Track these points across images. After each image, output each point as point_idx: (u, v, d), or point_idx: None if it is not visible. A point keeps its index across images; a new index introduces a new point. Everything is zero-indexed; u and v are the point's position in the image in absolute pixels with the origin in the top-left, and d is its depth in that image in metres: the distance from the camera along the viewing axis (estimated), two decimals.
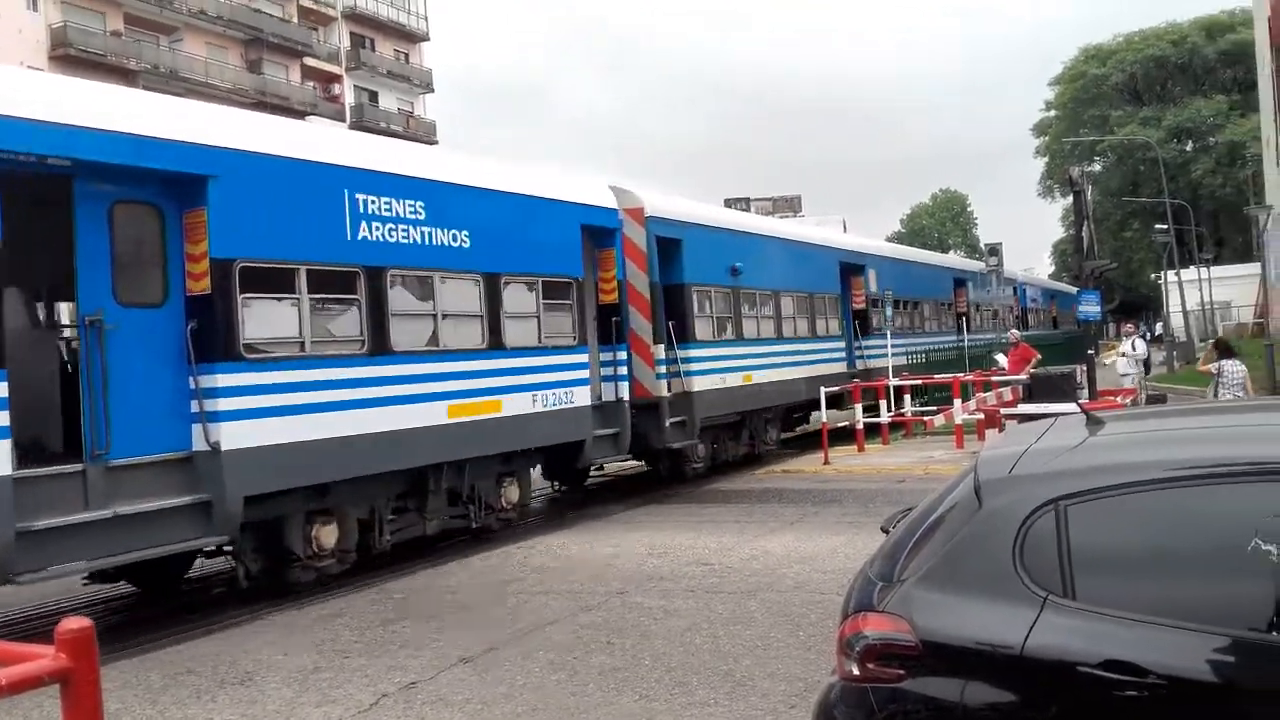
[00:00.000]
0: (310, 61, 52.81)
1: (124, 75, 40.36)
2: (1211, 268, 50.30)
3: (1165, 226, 43.98)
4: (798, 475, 16.76)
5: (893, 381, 20.83)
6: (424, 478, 11.27)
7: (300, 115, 44.55)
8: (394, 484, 11.01)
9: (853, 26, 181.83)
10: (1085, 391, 14.75)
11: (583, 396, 13.51)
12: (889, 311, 22.20)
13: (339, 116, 51.54)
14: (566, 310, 13.42)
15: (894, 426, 20.59)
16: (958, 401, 18.54)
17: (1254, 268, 53.42)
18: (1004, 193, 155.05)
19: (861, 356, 22.85)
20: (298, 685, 6.98)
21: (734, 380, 17.17)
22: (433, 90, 60.70)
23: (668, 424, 15.07)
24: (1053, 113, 65.64)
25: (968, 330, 30.03)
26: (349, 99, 54.70)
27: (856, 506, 13.05)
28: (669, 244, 15.79)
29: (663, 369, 15.16)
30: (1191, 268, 49.24)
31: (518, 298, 12.57)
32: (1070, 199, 28.56)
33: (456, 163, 12.64)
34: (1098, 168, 60.37)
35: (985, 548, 3.50)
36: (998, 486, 3.63)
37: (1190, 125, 57.23)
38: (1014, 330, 27.48)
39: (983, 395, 18.06)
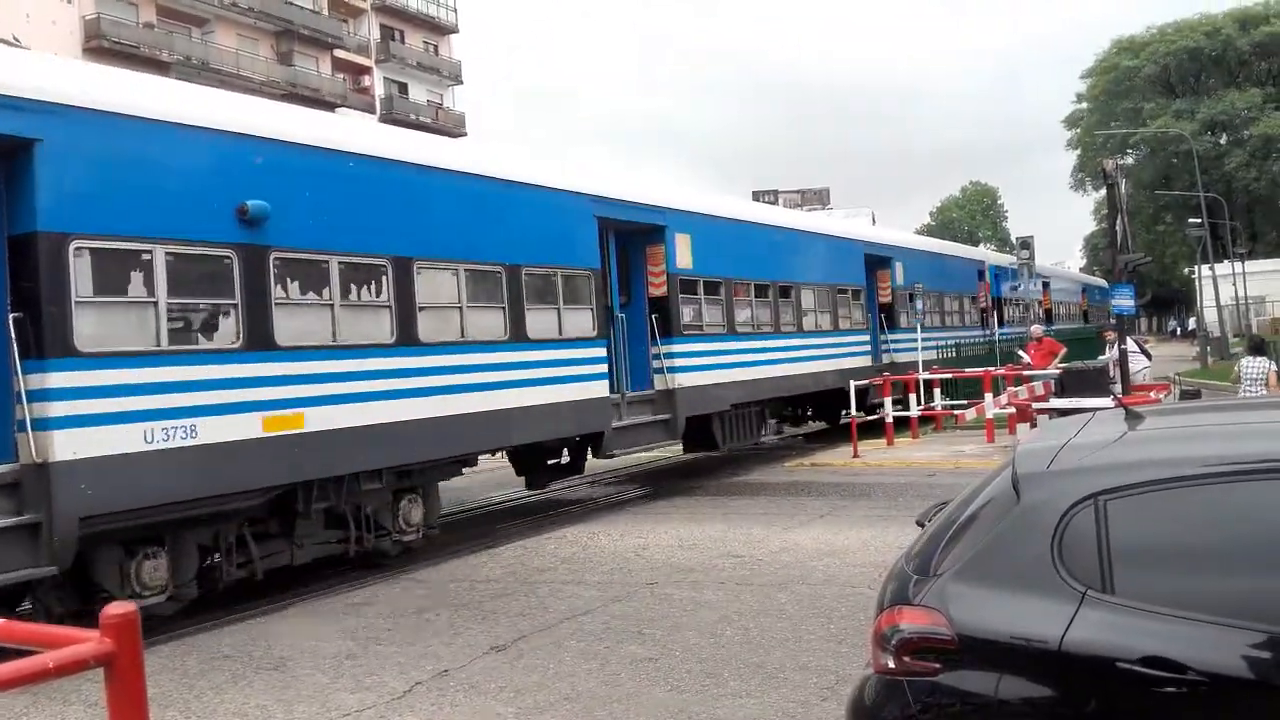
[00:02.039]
0: (340, 53, 53.06)
1: (157, 67, 40.66)
2: (1245, 262, 49.69)
3: (1199, 220, 43.46)
4: (827, 468, 16.73)
5: (923, 375, 20.71)
6: None
7: (331, 107, 44.85)
8: None
9: (881, 19, 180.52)
10: (1118, 386, 14.63)
11: None
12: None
13: (369, 108, 51.84)
14: None
15: (923, 420, 20.49)
16: (989, 395, 18.44)
17: None
18: (1035, 186, 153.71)
19: (662, 370, 14.82)
20: (331, 671, 7.06)
21: (234, 429, 8.77)
22: (462, 82, 60.86)
23: None
24: (1084, 105, 64.88)
25: (889, 328, 22.69)
26: (379, 91, 54.94)
27: (886, 500, 13.02)
28: None
29: None
30: (1225, 262, 48.65)
31: None
32: (1103, 192, 27.99)
33: None
34: (1130, 160, 59.58)
35: (1023, 542, 3.49)
36: (1036, 480, 3.62)
37: (1224, 118, 56.43)
38: (1037, 325, 24.61)
39: (1014, 389, 17.94)
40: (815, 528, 11.41)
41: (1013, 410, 17.79)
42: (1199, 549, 3.42)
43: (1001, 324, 29.73)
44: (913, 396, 20.08)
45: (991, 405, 18.12)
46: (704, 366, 15.68)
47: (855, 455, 17.35)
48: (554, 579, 9.58)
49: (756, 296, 17.61)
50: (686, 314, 15.44)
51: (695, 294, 15.79)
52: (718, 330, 16.33)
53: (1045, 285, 36.25)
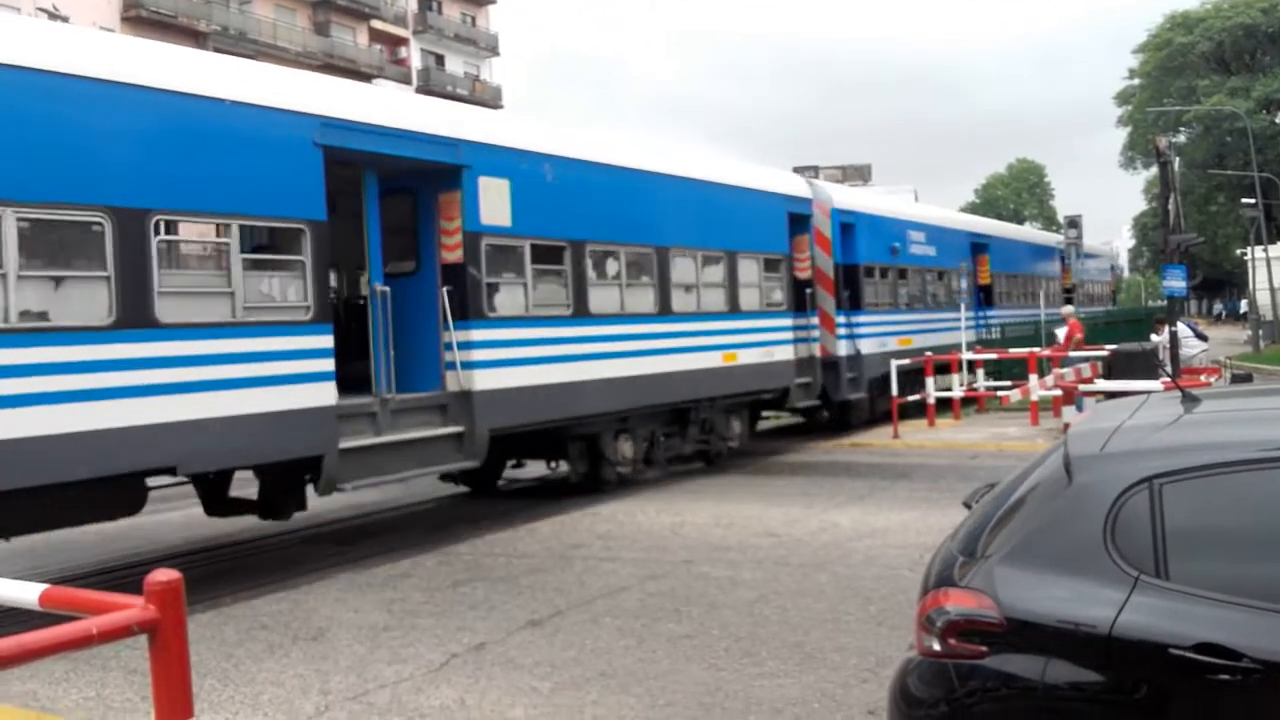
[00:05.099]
0: (377, 24, 53.16)
1: (194, 37, 40.95)
2: None
3: (1253, 200, 42.51)
4: (867, 449, 16.59)
5: (966, 356, 20.44)
6: None
7: (367, 79, 44.93)
8: None
9: None
10: (1168, 369, 14.32)
11: None
12: None
13: (405, 80, 51.89)
14: None
15: (966, 401, 20.24)
16: (1034, 377, 18.18)
17: None
18: (1083, 164, 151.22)
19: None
20: (369, 643, 7.09)
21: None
22: (499, 54, 60.80)
23: None
24: (1136, 81, 63.59)
25: (464, 319, 10.96)
26: (415, 62, 55.01)
27: (927, 481, 12.88)
28: None
29: None
30: (1279, 243, 47.57)
31: None
32: (1153, 171, 26.85)
33: None
34: (1183, 139, 58.35)
35: (1074, 525, 3.41)
36: (1089, 463, 3.54)
37: None
38: (1067, 306, 22.37)
39: (1060, 371, 17.67)
40: (855, 508, 11.31)
41: (1059, 393, 17.52)
42: (1257, 534, 3.34)
43: (858, 307, 18.45)
44: (955, 377, 19.86)
45: (1037, 387, 17.87)
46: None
47: (895, 436, 17.19)
48: (590, 555, 9.57)
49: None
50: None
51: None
52: None
53: (982, 248, 24.93)
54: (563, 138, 13.18)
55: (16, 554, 9.73)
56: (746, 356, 15.27)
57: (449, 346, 10.91)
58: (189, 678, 3.12)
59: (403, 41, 55.03)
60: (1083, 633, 3.26)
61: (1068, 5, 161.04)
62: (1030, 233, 36.09)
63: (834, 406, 18.14)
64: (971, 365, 20.60)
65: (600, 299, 12.84)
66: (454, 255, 11.04)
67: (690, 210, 14.57)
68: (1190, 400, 4.01)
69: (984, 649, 3.36)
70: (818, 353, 17.17)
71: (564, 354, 12.16)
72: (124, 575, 9.66)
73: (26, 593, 3.36)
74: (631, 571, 8.82)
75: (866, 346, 18.36)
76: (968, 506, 4.27)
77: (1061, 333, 20.79)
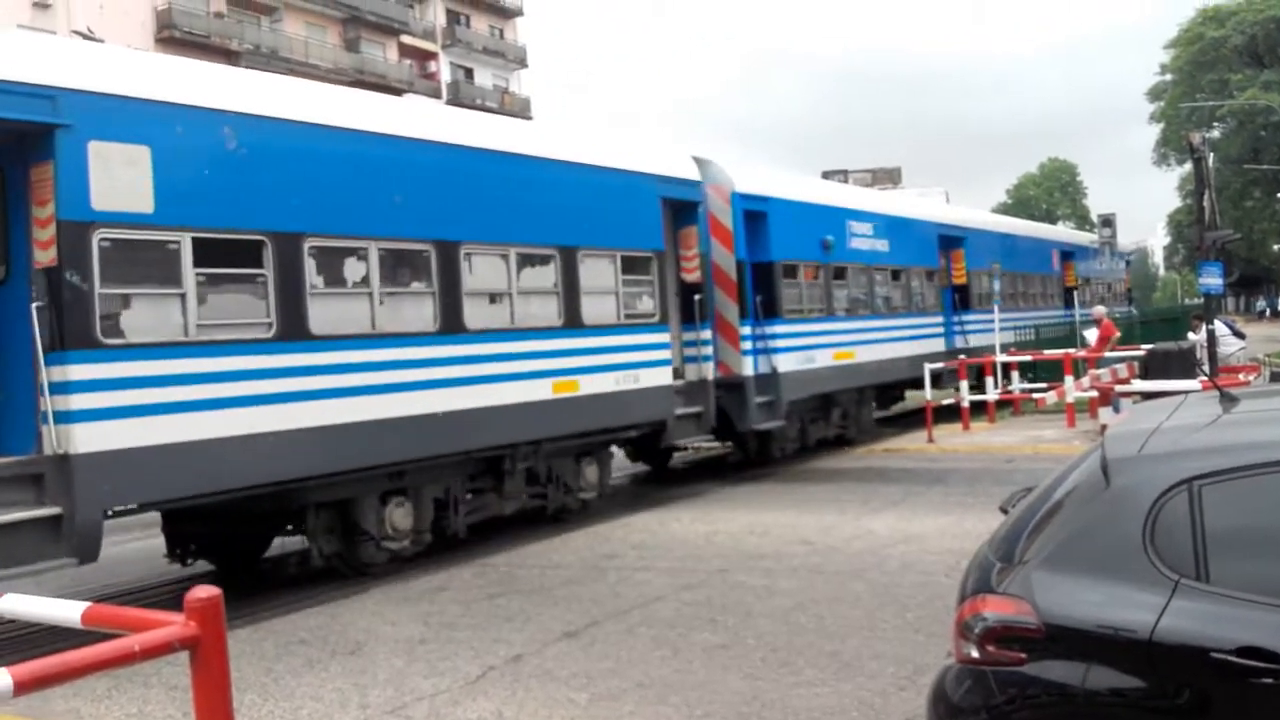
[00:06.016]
0: (407, 39, 53.71)
1: (227, 55, 41.52)
2: None
3: None
4: (900, 454, 16.48)
5: (1000, 358, 20.25)
6: None
7: (398, 93, 45.34)
8: None
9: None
10: (1206, 369, 14.10)
11: None
12: None
13: (435, 94, 52.28)
14: None
15: (1001, 404, 20.05)
16: (1070, 378, 18.00)
17: None
18: (1115, 163, 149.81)
19: None
20: (406, 656, 7.12)
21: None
22: (527, 65, 61.20)
23: None
24: (1168, 76, 62.94)
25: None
26: (445, 76, 55.50)
27: (962, 486, 12.77)
28: None
29: None
30: None
31: None
32: (1186, 167, 26.40)
33: None
34: (1216, 134, 57.64)
35: (1113, 529, 3.37)
36: (1127, 465, 3.49)
37: None
38: (1099, 306, 21.20)
39: (1096, 372, 17.48)
40: (889, 514, 11.23)
41: (1095, 394, 17.32)
42: None
43: (773, 315, 14.91)
44: (989, 380, 19.68)
45: (1073, 389, 17.68)
46: None
47: (930, 440, 17.07)
48: (624, 565, 9.56)
49: None
50: None
51: None
52: None
53: (956, 243, 21.68)
54: (261, 88, 9.51)
55: (56, 573, 9.84)
56: (593, 384, 11.83)
57: (41, 390, 7.50)
58: (229, 693, 3.15)
59: (432, 56, 55.52)
60: (1123, 638, 3.22)
61: (1100, 8, 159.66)
62: (1021, 225, 30.65)
63: (744, 438, 15.04)
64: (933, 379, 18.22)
65: (332, 314, 9.30)
66: (47, 256, 7.55)
67: (497, 194, 10.98)
68: (1229, 400, 3.96)
69: (1023, 655, 3.33)
70: (711, 374, 13.80)
71: (261, 393, 8.65)
72: (164, 592, 9.78)
73: (69, 611, 3.41)
74: (666, 581, 8.81)
75: (786, 363, 14.91)
76: (1004, 511, 4.24)
77: (1093, 334, 20.54)
